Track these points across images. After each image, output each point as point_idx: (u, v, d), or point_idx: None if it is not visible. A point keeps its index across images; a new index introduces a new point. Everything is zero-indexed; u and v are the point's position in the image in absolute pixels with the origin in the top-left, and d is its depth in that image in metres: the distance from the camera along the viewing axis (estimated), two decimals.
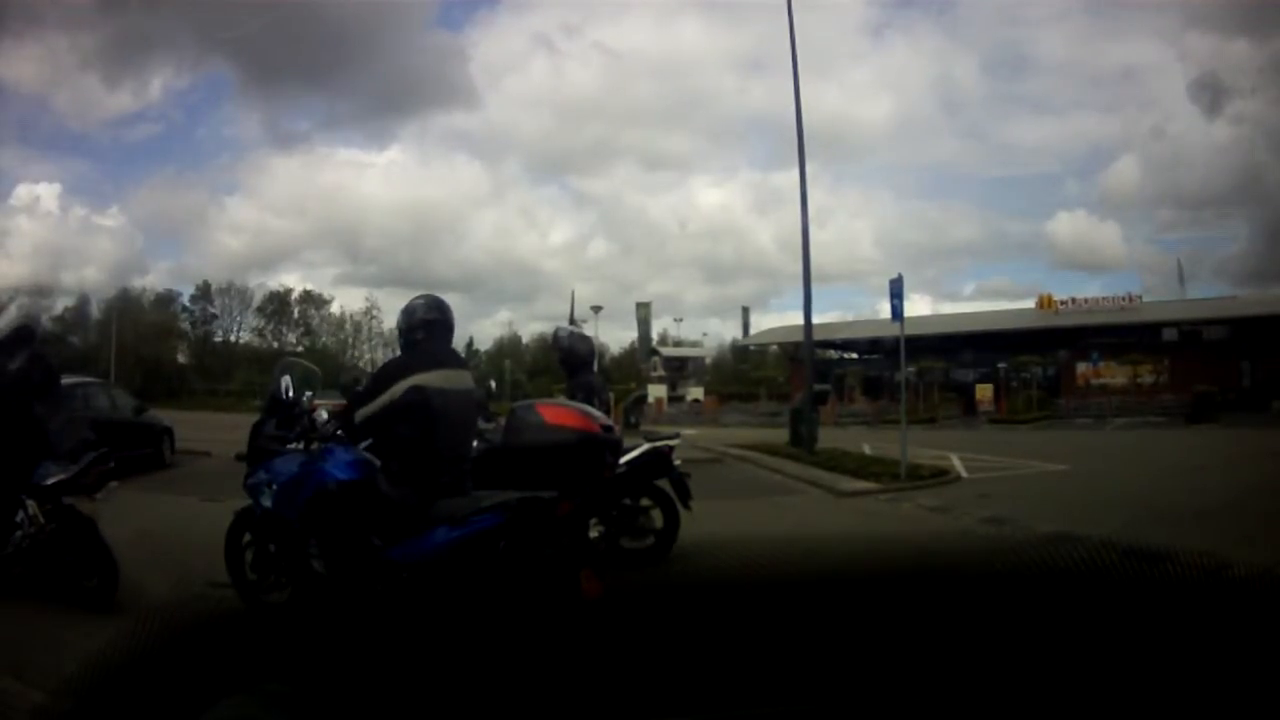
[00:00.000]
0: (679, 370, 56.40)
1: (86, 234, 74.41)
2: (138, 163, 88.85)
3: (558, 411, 7.22)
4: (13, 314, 7.88)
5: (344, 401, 6.96)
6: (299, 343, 67.82)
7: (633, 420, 13.30)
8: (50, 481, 7.15)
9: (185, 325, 69.62)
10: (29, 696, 4.60)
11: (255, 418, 7.75)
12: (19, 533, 7.15)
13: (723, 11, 76.16)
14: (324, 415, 6.83)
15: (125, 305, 62.38)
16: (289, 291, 70.92)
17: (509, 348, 68.40)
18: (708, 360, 64.91)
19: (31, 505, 7.16)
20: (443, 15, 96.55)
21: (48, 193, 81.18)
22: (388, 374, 6.06)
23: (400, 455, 5.91)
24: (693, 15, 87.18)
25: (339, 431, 6.56)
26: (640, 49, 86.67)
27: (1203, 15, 75.78)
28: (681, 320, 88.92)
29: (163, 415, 21.30)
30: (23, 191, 74.67)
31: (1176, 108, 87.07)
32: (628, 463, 8.30)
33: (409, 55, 78.88)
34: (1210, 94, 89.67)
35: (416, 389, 5.82)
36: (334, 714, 1.31)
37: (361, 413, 5.96)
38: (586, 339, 10.12)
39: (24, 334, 7.77)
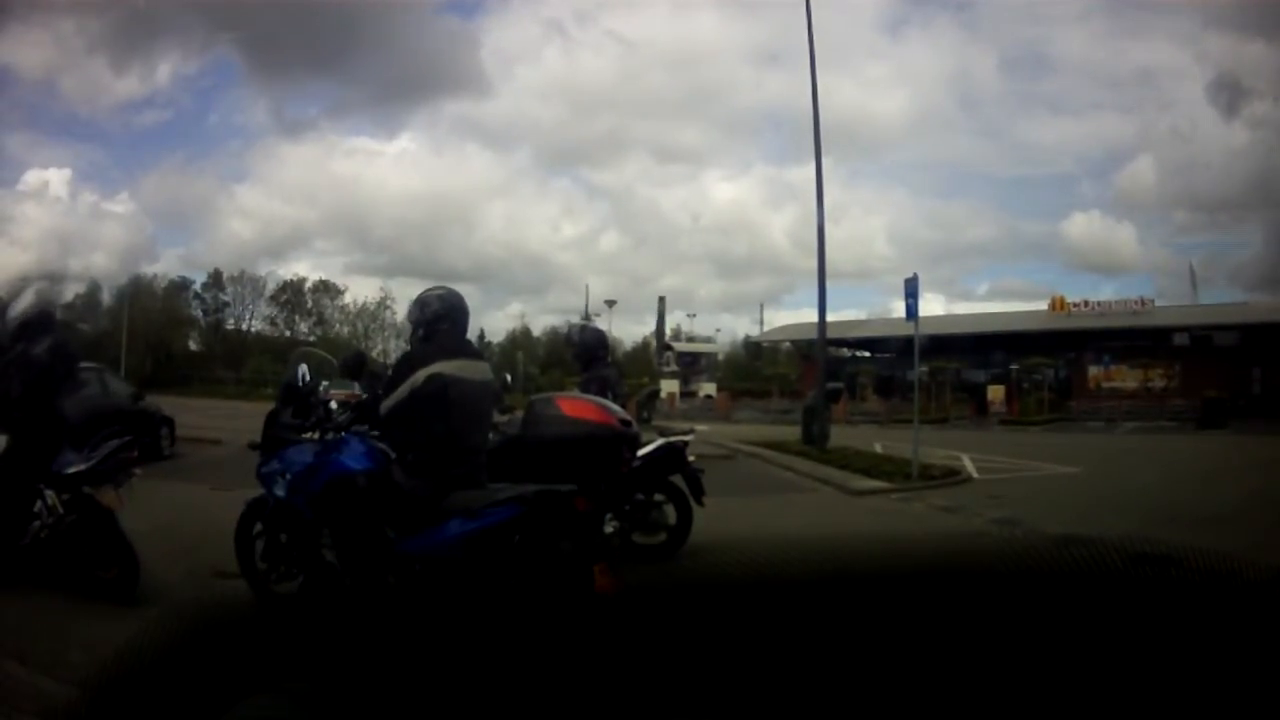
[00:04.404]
0: (691, 366, 56.43)
1: (96, 220, 74.08)
2: (147, 149, 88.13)
3: (577, 405, 7.23)
4: (31, 300, 7.81)
5: (356, 392, 6.96)
6: (311, 332, 67.82)
7: (645, 415, 13.27)
8: (70, 471, 7.10)
9: (197, 313, 69.74)
10: (32, 682, 4.62)
11: (267, 406, 7.76)
12: (37, 523, 7.11)
13: (739, 3, 75.73)
14: (335, 405, 6.84)
15: (136, 292, 62.43)
16: (303, 280, 70.95)
17: (521, 340, 68.33)
18: (720, 356, 64.92)
19: (50, 495, 7.12)
20: (453, 2, 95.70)
21: (57, 178, 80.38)
22: (408, 364, 6.04)
23: (417, 446, 5.90)
24: (708, 5, 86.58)
25: (354, 421, 6.58)
26: (654, 39, 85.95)
27: (1222, 16, 75.28)
28: (695, 316, 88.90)
29: (166, 404, 20.86)
30: (32, 177, 74.23)
31: (1194, 109, 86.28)
32: (643, 457, 8.30)
33: (419, 41, 78.41)
34: (1228, 96, 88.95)
35: (436, 377, 5.81)
36: (356, 712, 1.30)
37: (386, 404, 5.95)
38: (600, 332, 10.12)
39: (44, 320, 7.72)
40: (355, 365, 8.91)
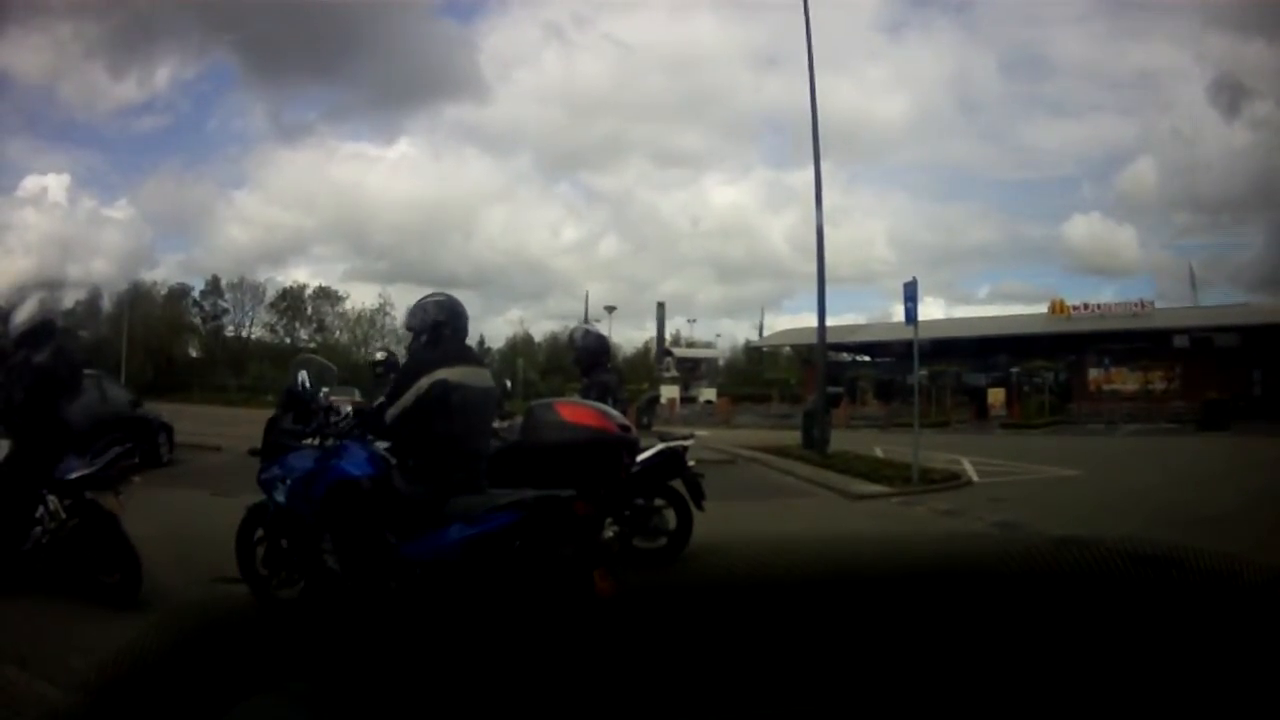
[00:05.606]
0: (692, 371, 56.42)
1: (95, 226, 74.08)
2: (145, 154, 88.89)
3: (576, 410, 7.21)
4: (33, 307, 7.84)
5: (359, 398, 6.95)
6: (311, 339, 67.86)
7: (645, 421, 13.23)
8: (72, 476, 7.12)
9: (196, 320, 69.79)
10: (32, 686, 4.62)
11: (267, 413, 7.76)
12: (39, 528, 7.13)
13: (737, 6, 75.91)
14: (345, 410, 6.84)
15: (136, 299, 62.46)
16: (303, 287, 71.04)
17: (521, 346, 68.44)
18: (720, 361, 64.94)
19: (53, 500, 7.14)
20: (450, 4, 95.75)
21: (56, 184, 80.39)
22: (413, 371, 6.03)
23: (419, 451, 5.91)
24: (706, 8, 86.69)
25: (355, 427, 6.58)
26: (653, 42, 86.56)
27: (1222, 17, 75.30)
28: (695, 321, 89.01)
29: (167, 411, 20.92)
30: (30, 183, 74.27)
31: (1195, 110, 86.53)
32: (642, 462, 8.28)
33: (416, 45, 78.56)
34: (1229, 96, 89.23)
35: (440, 384, 5.82)
36: (357, 712, 1.30)
37: (391, 411, 5.94)
38: (602, 338, 10.11)
39: (47, 328, 7.75)
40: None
